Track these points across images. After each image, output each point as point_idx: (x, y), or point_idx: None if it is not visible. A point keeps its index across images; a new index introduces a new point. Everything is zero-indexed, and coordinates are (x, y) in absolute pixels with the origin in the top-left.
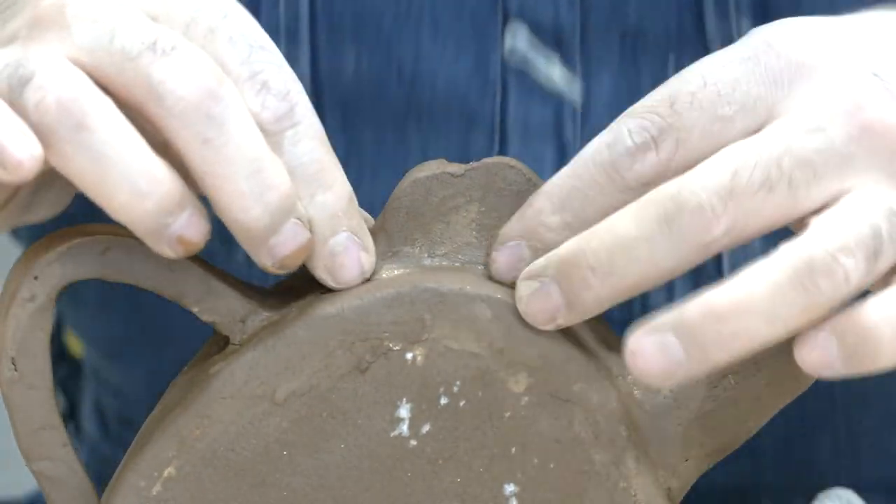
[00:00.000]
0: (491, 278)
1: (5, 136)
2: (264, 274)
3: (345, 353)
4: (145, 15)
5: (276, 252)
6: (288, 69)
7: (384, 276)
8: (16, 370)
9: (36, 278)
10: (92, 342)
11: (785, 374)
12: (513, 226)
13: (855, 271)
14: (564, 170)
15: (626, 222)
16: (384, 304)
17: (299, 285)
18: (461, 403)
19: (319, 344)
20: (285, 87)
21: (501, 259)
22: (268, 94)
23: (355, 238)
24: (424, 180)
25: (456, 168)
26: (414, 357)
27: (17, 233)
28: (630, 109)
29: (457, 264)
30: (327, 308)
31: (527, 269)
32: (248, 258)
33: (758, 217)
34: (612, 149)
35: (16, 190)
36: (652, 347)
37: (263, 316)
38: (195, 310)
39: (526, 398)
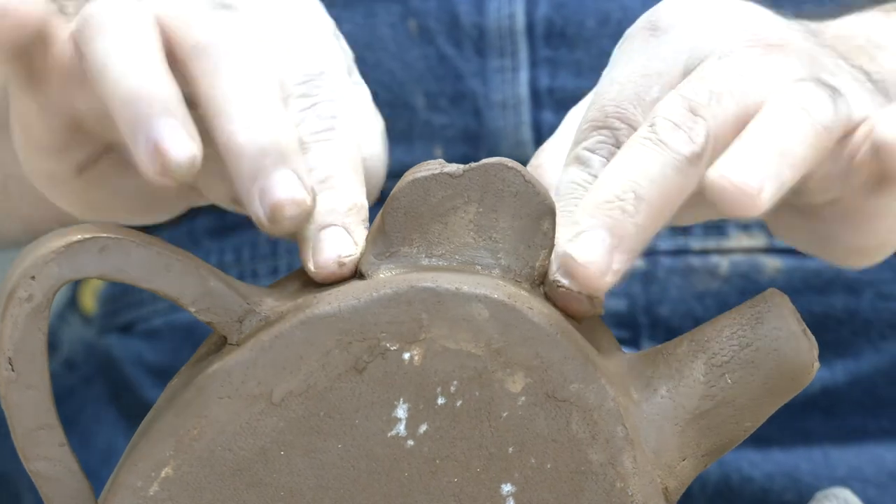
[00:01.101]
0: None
1: (169, 136)
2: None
3: (342, 353)
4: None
5: (266, 197)
6: (341, 100)
7: (381, 276)
8: (13, 370)
9: (33, 278)
10: None
11: (781, 374)
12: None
13: (829, 96)
14: (559, 210)
15: (627, 159)
16: (381, 303)
17: (296, 286)
18: (458, 403)
19: (316, 344)
20: (330, 113)
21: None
22: (311, 114)
23: (346, 231)
24: (423, 181)
25: (454, 169)
26: (411, 357)
27: None
28: (574, 140)
29: (454, 264)
30: (324, 308)
31: (565, 236)
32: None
33: (726, 119)
34: (588, 169)
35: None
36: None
37: (261, 316)
38: (192, 310)
39: (523, 398)
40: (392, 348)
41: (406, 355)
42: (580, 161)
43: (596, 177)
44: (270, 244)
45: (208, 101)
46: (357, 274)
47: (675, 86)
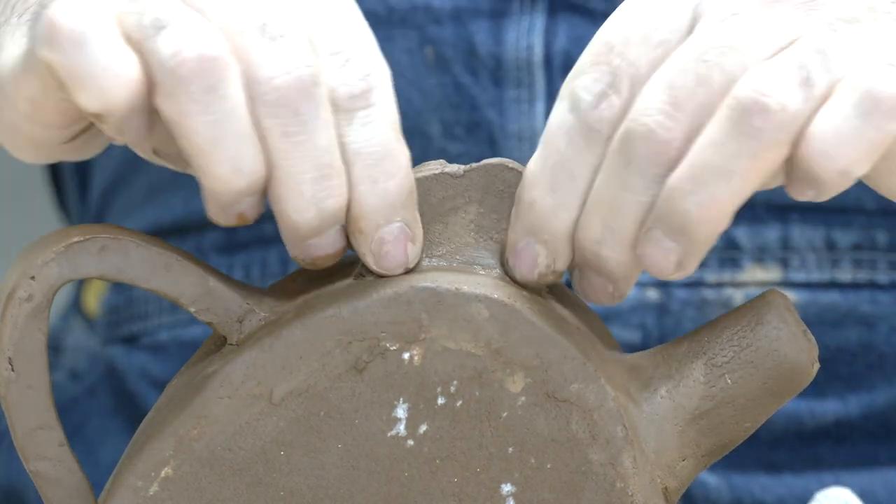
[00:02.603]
0: (513, 281)
1: (106, 60)
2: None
3: (342, 353)
4: None
5: (311, 252)
6: (376, 54)
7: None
8: (13, 370)
9: (33, 278)
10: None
11: (781, 374)
12: (514, 228)
13: (790, 101)
14: (538, 153)
15: (600, 185)
16: (381, 304)
17: (296, 286)
18: (458, 403)
19: (316, 344)
20: (367, 69)
21: (519, 263)
22: (348, 70)
23: (406, 230)
24: (423, 181)
25: (455, 169)
26: (411, 357)
27: (69, 215)
28: (572, 73)
29: (455, 265)
30: (324, 308)
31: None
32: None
33: (708, 109)
34: (575, 111)
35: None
36: (651, 250)
37: (261, 316)
38: (192, 310)
39: (523, 398)
40: (392, 348)
41: (406, 355)
42: (571, 100)
43: (584, 123)
44: (281, 262)
45: (268, 159)
46: (357, 274)
47: (682, 30)
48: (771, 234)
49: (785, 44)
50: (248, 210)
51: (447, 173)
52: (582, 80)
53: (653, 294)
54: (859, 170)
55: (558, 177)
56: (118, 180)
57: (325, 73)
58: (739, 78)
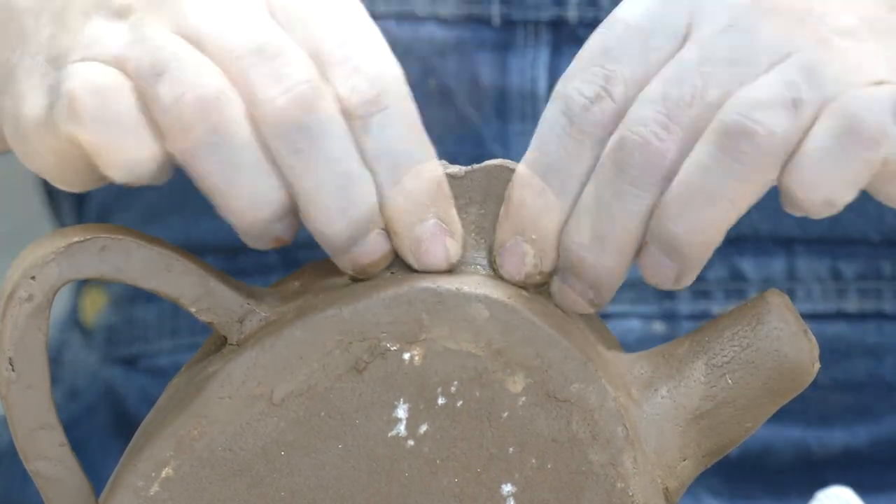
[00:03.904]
0: (501, 279)
1: (126, 138)
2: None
3: (342, 354)
4: None
5: (356, 261)
6: (385, 56)
7: (382, 276)
8: (13, 370)
9: (33, 278)
10: None
11: (781, 374)
12: (503, 226)
13: (777, 125)
14: (529, 153)
15: (591, 190)
16: (382, 304)
17: (297, 286)
18: (459, 403)
19: (317, 344)
20: (376, 72)
21: (506, 262)
22: (357, 77)
23: (442, 225)
24: None
25: (456, 170)
26: (411, 357)
27: (61, 219)
28: (566, 74)
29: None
30: (325, 308)
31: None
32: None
33: (703, 122)
34: (568, 113)
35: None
36: (649, 264)
37: (261, 316)
38: (193, 310)
39: (523, 398)
40: (392, 348)
41: (406, 355)
42: (564, 102)
43: (576, 125)
44: None
45: (285, 179)
46: None
47: (678, 35)
48: (776, 265)
49: (779, 58)
50: (283, 233)
51: (448, 174)
52: (575, 83)
53: (659, 327)
54: (843, 199)
55: (549, 178)
56: (115, 203)
57: (334, 82)
58: (734, 93)
